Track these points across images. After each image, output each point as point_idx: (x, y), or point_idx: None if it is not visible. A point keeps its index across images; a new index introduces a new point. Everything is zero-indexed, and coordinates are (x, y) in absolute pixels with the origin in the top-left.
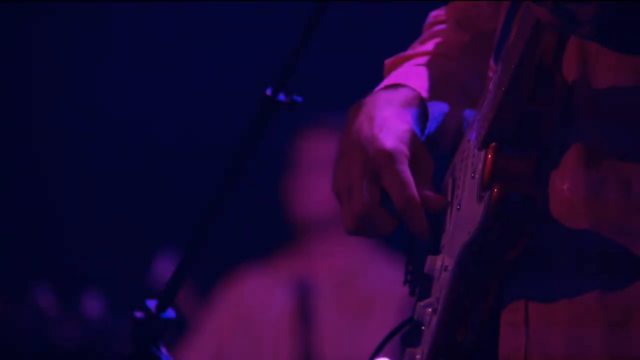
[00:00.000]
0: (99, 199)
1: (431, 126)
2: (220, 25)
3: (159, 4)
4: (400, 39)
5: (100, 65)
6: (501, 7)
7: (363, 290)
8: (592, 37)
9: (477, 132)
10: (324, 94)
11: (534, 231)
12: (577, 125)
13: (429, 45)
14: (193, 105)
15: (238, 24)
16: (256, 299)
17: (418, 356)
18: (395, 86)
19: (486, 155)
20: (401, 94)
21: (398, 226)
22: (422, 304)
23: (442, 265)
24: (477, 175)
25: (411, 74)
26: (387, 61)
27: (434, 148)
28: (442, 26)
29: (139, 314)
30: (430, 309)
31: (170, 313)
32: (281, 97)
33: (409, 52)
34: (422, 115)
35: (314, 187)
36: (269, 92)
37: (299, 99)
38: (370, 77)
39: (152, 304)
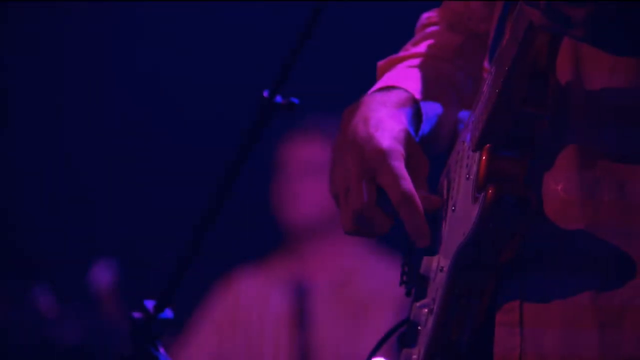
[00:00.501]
0: (98, 200)
1: (425, 127)
2: (217, 27)
3: (156, 7)
4: (392, 41)
5: (95, 68)
6: (494, 9)
7: (359, 291)
8: (584, 38)
9: (471, 134)
10: (315, 96)
11: (528, 232)
12: (570, 127)
13: (422, 47)
14: (190, 107)
15: (236, 26)
16: (253, 300)
17: (414, 356)
18: (388, 88)
19: (480, 156)
20: (395, 96)
21: (394, 227)
22: (418, 304)
23: (437, 266)
24: (471, 177)
25: (404, 76)
26: (380, 63)
27: (428, 149)
28: (434, 28)
29: (137, 314)
30: (426, 310)
31: (168, 313)
32: (278, 99)
33: (402, 53)
34: (416, 117)
35: (305, 191)
36: (266, 94)
37: (296, 100)
38: (362, 79)
39: (150, 304)
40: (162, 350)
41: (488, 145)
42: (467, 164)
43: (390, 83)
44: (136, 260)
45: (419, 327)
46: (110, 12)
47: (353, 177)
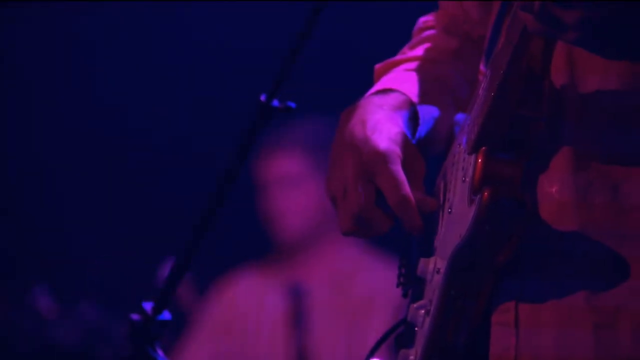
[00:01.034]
0: (97, 201)
1: (422, 130)
2: (214, 30)
3: (153, 11)
4: (390, 44)
5: (95, 68)
6: (490, 13)
7: (356, 292)
8: (577, 42)
9: (467, 137)
10: (312, 99)
11: (523, 234)
12: (565, 129)
13: (419, 51)
14: (187, 111)
15: (233, 29)
16: (250, 301)
17: (412, 357)
18: (386, 91)
19: (476, 159)
20: (392, 99)
21: (391, 228)
22: (415, 305)
23: (434, 267)
24: (467, 179)
25: (401, 79)
26: (377, 66)
27: (424, 151)
28: (431, 31)
29: (135, 316)
30: (423, 311)
31: (166, 315)
32: (275, 103)
33: (399, 57)
34: (413, 119)
35: (289, 206)
36: (263, 98)
37: (292, 104)
38: (359, 82)
39: (148, 306)
40: (160, 351)
41: (484, 147)
42: (463, 166)
43: (387, 86)
44: (134, 262)
45: (416, 328)
46: (110, 13)
47: (351, 178)
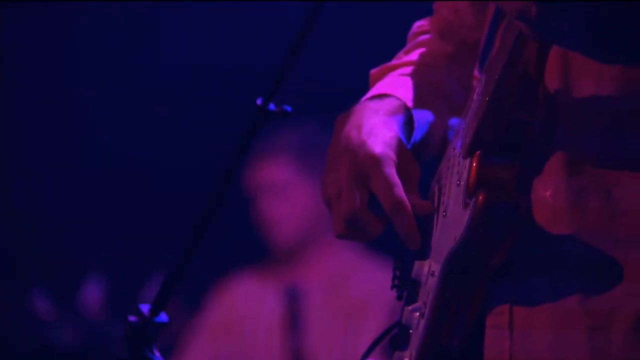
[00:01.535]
0: (97, 202)
1: (417, 135)
2: (214, 32)
3: (152, 11)
4: (385, 49)
5: (94, 69)
6: (485, 18)
7: (351, 295)
8: (573, 47)
9: (462, 141)
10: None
11: (518, 237)
12: (559, 133)
13: (414, 55)
14: (184, 116)
15: (230, 32)
16: (248, 305)
17: (406, 359)
18: (381, 96)
19: (471, 163)
20: (387, 104)
21: (385, 231)
22: (409, 308)
23: (429, 270)
24: (462, 183)
25: (396, 84)
26: (373, 71)
27: (419, 156)
28: (426, 36)
29: (132, 318)
30: (417, 313)
31: (163, 317)
32: (271, 106)
33: (394, 62)
34: (408, 124)
35: (280, 213)
36: (259, 101)
37: (288, 108)
38: (355, 86)
39: (145, 308)
40: (157, 354)
41: (478, 152)
42: (458, 170)
43: (382, 91)
44: (133, 264)
45: (411, 331)
46: (110, 13)
47: (345, 182)
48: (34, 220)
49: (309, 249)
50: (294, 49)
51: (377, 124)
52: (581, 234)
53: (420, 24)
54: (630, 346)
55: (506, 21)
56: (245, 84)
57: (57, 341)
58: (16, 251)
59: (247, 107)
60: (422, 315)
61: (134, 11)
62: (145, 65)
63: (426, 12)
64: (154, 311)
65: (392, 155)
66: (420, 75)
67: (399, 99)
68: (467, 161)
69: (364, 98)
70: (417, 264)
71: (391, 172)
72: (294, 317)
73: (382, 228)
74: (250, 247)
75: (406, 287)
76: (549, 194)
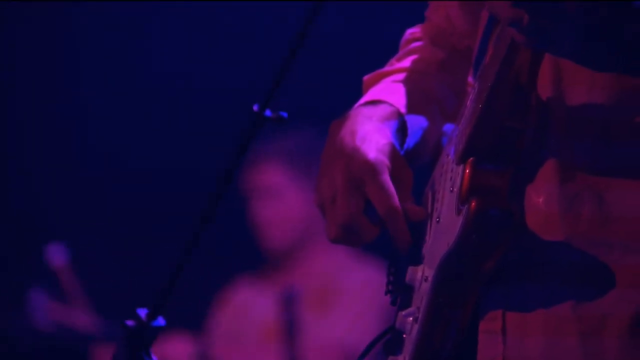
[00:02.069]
0: (96, 203)
1: (410, 141)
2: (209, 37)
3: (152, 13)
4: (378, 56)
5: (94, 69)
6: (477, 25)
7: (345, 299)
8: (565, 54)
9: (455, 147)
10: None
11: (510, 243)
12: (552, 140)
13: (406, 62)
14: (184, 116)
15: (228, 36)
16: (243, 308)
17: None
18: (374, 102)
19: (464, 170)
20: (380, 110)
21: (379, 236)
22: (403, 313)
23: (422, 275)
24: (455, 189)
25: (390, 90)
26: (366, 77)
27: (412, 162)
28: (418, 43)
29: (130, 322)
30: (411, 318)
31: (160, 321)
32: (268, 112)
33: (387, 68)
34: (401, 130)
35: (273, 217)
36: (256, 107)
37: (284, 114)
38: (348, 93)
39: (143, 312)
40: (154, 358)
41: (471, 158)
42: (451, 177)
43: (376, 97)
44: (133, 264)
45: (404, 335)
46: (110, 13)
47: (340, 187)
48: (34, 220)
49: (303, 254)
50: (293, 49)
51: (371, 130)
52: (574, 240)
53: (412, 31)
54: (624, 351)
55: (499, 28)
56: (245, 84)
57: (57, 341)
58: (16, 251)
59: (246, 107)
60: (415, 320)
61: (134, 11)
62: (144, 66)
63: (418, 19)
64: (152, 315)
65: (385, 161)
66: (413, 82)
67: (392, 105)
68: (461, 168)
69: (357, 104)
70: (410, 269)
71: (385, 178)
72: (289, 322)
73: (376, 233)
74: (250, 247)
75: (400, 292)
76: (541, 200)
